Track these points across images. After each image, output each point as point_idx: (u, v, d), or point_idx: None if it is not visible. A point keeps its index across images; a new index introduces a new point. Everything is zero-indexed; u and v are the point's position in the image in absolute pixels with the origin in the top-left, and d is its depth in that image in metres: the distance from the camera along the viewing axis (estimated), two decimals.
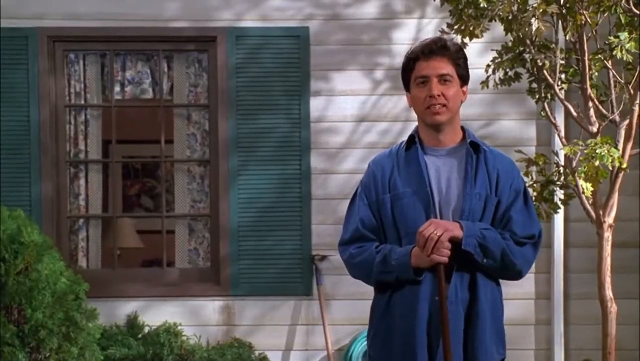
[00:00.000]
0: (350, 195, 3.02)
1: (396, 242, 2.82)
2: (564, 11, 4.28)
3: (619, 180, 4.46)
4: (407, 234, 2.80)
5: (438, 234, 2.68)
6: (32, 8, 5.50)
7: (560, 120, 5.14)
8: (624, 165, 4.33)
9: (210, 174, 5.65)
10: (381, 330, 2.86)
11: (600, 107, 4.55)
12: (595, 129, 4.50)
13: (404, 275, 2.76)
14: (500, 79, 4.68)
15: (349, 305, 5.43)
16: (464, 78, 2.88)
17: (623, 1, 4.21)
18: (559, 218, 5.35)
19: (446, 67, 2.82)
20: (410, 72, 2.87)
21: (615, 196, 4.49)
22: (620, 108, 4.51)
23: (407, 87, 2.91)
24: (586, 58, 4.41)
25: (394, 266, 2.77)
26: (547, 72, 4.52)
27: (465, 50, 4.29)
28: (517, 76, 4.71)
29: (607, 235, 4.50)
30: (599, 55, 4.43)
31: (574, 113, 4.61)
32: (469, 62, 2.94)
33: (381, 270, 2.80)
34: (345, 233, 2.92)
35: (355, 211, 2.91)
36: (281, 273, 5.56)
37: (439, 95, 2.80)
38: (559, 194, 4.78)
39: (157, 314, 5.48)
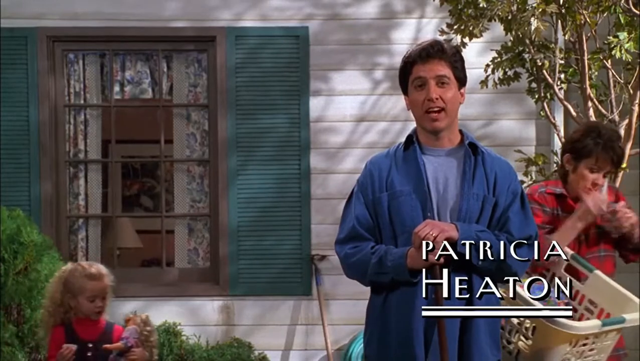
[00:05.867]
0: None
1: (392, 241, 2.81)
2: (563, 11, 4.28)
3: (618, 180, 4.45)
4: (403, 233, 2.78)
5: (434, 235, 2.67)
6: (32, 8, 5.50)
7: (559, 120, 5.14)
8: (624, 165, 4.33)
9: (210, 174, 5.65)
10: (377, 331, 2.85)
11: (599, 106, 4.55)
12: None
13: (399, 277, 2.75)
14: (499, 78, 4.68)
15: (349, 305, 5.42)
16: (461, 80, 2.87)
17: (622, 1, 4.22)
18: None
19: (443, 70, 2.82)
20: (408, 76, 2.87)
21: None
22: (619, 108, 4.51)
23: (405, 91, 2.91)
24: (585, 58, 4.41)
25: (390, 267, 2.76)
26: (547, 72, 4.52)
27: (464, 50, 4.37)
28: (517, 76, 4.71)
29: None
30: (598, 55, 4.44)
31: (574, 113, 4.61)
32: (468, 62, 2.94)
33: (377, 271, 2.79)
34: (341, 232, 2.91)
35: (351, 210, 2.90)
36: (280, 273, 5.56)
37: (437, 99, 2.80)
38: None
39: (156, 314, 5.44)
